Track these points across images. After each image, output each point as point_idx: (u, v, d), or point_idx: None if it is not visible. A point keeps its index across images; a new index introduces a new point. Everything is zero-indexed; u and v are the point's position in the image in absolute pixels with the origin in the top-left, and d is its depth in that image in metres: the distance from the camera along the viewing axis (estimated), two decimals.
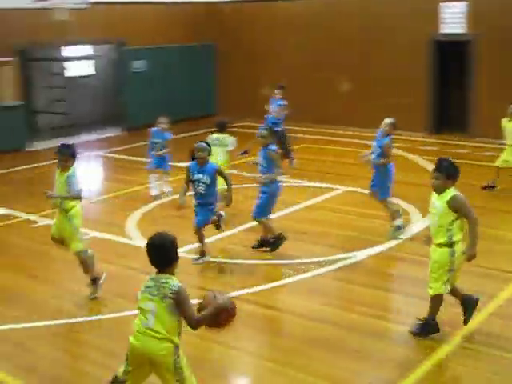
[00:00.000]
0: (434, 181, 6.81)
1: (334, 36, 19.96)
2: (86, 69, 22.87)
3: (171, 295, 5.05)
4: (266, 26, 21.42)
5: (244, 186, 12.95)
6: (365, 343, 7.08)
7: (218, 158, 11.06)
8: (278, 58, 21.30)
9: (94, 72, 23.04)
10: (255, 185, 10.66)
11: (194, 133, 17.64)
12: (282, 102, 15.18)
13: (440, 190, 6.77)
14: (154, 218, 11.67)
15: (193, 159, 9.43)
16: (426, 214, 8.80)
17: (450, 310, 7.35)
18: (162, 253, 5.23)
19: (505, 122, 12.55)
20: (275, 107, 15.07)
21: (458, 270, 6.88)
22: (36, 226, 11.40)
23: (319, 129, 19.84)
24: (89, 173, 14.73)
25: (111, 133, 20.12)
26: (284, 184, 13.36)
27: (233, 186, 9.53)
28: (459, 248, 6.75)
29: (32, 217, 11.81)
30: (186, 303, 5.07)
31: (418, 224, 10.78)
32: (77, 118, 21.02)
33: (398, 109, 17.65)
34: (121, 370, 5.20)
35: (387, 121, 10.35)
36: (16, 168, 15.77)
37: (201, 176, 9.25)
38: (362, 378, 6.56)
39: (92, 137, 19.81)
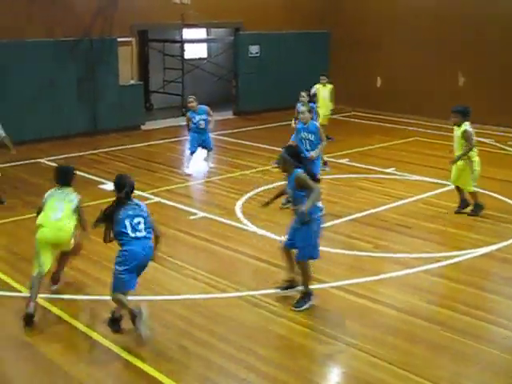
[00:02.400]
0: None
1: (458, 29, 19.38)
2: (202, 52, 23.31)
3: (75, 201, 7.64)
4: (384, 16, 21.11)
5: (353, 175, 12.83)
6: (468, 345, 6.91)
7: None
8: (393, 50, 20.96)
9: (210, 55, 23.45)
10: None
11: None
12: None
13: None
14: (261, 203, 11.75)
15: None
16: None
17: None
18: (67, 175, 7.85)
19: None
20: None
21: None
22: (147, 202, 11.74)
23: (432, 123, 19.43)
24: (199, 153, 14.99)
25: (223, 116, 20.38)
26: (391, 177, 13.31)
27: None
28: None
29: (145, 194, 12.17)
30: (82, 210, 7.78)
31: None
32: None
33: None
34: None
35: None
36: (133, 145, 16.29)
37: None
38: (463, 380, 6.41)
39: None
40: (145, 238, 6.98)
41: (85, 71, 17.36)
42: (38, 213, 7.65)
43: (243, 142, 16.35)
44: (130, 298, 7.03)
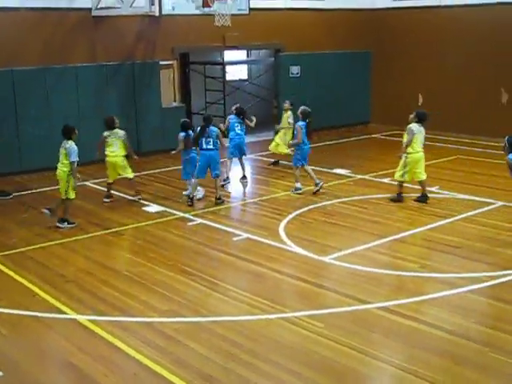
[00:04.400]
0: None
1: (500, 46, 19.20)
2: (243, 73, 23.46)
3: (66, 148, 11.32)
4: (424, 34, 21.00)
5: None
6: None
7: None
8: (434, 68, 20.83)
9: (251, 76, 23.58)
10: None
11: (345, 139, 17.58)
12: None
13: None
14: (304, 223, 11.74)
15: None
16: None
17: None
18: (66, 130, 11.52)
19: None
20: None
21: None
22: (190, 224, 11.83)
23: (474, 140, 19.22)
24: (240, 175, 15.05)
25: (265, 137, 20.39)
26: (435, 196, 13.18)
27: None
28: None
29: (188, 215, 12.25)
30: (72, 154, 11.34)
31: None
32: None
33: None
34: None
35: None
36: (176, 167, 16.42)
37: None
38: None
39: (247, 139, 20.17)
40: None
41: (127, 95, 17.62)
42: None
43: (285, 162, 16.35)
44: (171, 319, 7.01)
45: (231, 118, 15.26)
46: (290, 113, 16.18)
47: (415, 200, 12.87)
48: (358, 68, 22.43)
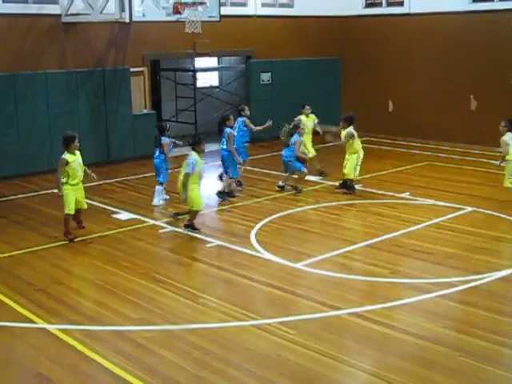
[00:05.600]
0: None
1: (468, 53, 19.47)
2: (214, 80, 23.46)
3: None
4: (394, 41, 21.20)
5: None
6: (486, 371, 6.81)
7: None
8: (404, 74, 21.04)
9: (222, 83, 23.59)
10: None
11: (316, 146, 17.59)
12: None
13: None
14: (276, 230, 11.76)
15: None
16: None
17: None
18: (64, 141, 11.06)
19: None
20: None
21: None
22: (162, 231, 11.78)
23: (444, 146, 19.44)
24: (213, 182, 15.03)
25: None
26: (406, 202, 13.29)
27: None
28: None
29: (160, 223, 12.20)
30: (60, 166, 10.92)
31: None
32: (203, 127, 21.40)
33: None
34: None
35: None
36: (146, 174, 16.35)
37: None
38: None
39: (217, 147, 20.14)
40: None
41: (97, 101, 17.53)
42: None
43: (256, 169, 16.37)
44: (143, 328, 6.97)
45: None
46: (314, 116, 16.12)
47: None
48: (328, 75, 22.57)
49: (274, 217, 12.45)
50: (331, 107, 22.39)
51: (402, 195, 13.82)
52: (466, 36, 19.42)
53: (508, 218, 12.01)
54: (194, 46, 19.05)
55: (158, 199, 13.54)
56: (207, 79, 23.31)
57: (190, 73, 21.46)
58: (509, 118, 13.26)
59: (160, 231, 11.79)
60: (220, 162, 14.29)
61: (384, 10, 21.63)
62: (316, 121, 16.00)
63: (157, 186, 13.63)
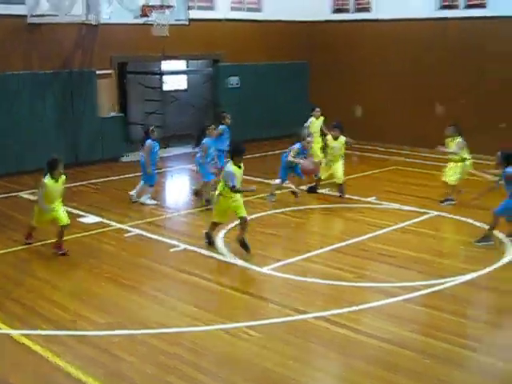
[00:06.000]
0: None
1: (432, 58, 19.69)
2: (181, 83, 23.39)
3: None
4: (362, 46, 21.35)
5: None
6: (450, 373, 6.90)
7: None
8: (372, 79, 21.19)
9: (190, 87, 23.52)
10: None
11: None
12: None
13: None
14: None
15: None
16: None
17: None
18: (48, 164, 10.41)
19: None
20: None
21: None
22: (127, 235, 11.70)
23: (411, 151, 19.61)
24: (180, 185, 14.98)
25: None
26: (372, 206, 13.39)
27: None
28: None
29: (125, 226, 12.12)
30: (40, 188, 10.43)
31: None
32: (171, 131, 21.33)
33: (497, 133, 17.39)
34: None
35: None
36: (113, 177, 16.24)
37: None
38: None
39: (185, 150, 20.09)
40: None
41: (64, 104, 17.36)
42: None
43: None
44: (109, 332, 6.92)
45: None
46: (322, 118, 16.62)
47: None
48: (296, 79, 22.61)
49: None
50: (299, 111, 22.37)
51: (369, 199, 13.91)
52: (432, 42, 19.63)
53: (472, 222, 12.15)
54: (162, 48, 18.96)
55: (146, 197, 13.68)
56: (175, 83, 23.21)
57: (158, 76, 21.37)
58: (455, 122, 13.76)
59: (125, 235, 11.71)
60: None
61: (351, 15, 21.77)
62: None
63: (142, 183, 13.88)
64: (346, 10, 22.04)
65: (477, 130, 17.17)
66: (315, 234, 11.74)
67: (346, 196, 14.03)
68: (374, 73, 21.11)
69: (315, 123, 16.62)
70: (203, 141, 13.28)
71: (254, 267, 9.97)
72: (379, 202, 13.78)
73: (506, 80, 18.17)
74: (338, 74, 21.91)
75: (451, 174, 13.40)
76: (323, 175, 14.36)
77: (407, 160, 18.61)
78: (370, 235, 11.53)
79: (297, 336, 7.74)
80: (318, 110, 16.84)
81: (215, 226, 10.97)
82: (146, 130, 13.95)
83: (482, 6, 18.81)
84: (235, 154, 10.48)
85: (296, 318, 8.15)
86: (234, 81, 21.13)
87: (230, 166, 10.39)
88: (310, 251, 10.65)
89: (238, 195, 10.52)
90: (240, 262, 10.19)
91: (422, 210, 13.01)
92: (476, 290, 9.33)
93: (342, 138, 14.21)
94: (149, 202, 13.65)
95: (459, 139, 13.34)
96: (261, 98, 21.40)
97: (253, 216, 12.62)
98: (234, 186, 10.23)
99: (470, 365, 7.20)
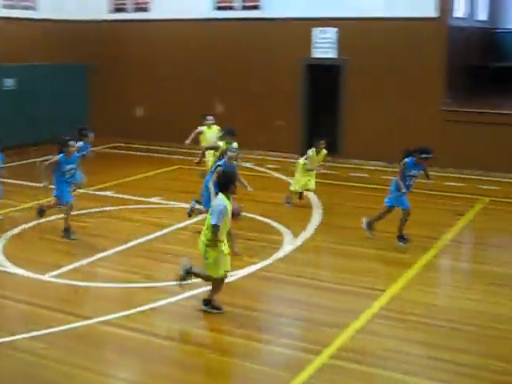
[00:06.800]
0: None
1: (208, 57, 20.16)
2: None
3: None
4: (140, 47, 21.32)
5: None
6: (237, 365, 7.14)
7: None
8: (152, 79, 21.26)
9: None
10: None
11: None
12: None
13: None
14: (20, 243, 11.25)
15: None
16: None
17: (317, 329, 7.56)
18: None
19: None
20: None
21: None
22: None
23: (194, 150, 19.87)
24: None
25: None
26: (157, 206, 13.44)
27: None
28: None
29: None
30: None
31: (289, 244, 11.03)
32: None
33: (273, 130, 18.22)
34: None
35: None
36: None
37: None
38: None
39: None
40: None
41: None
42: None
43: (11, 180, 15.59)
44: None
45: None
46: (217, 128, 14.48)
47: None
48: (75, 80, 21.98)
49: (17, 230, 11.85)
50: (78, 112, 21.84)
51: (153, 199, 13.92)
52: (208, 42, 20.09)
53: (253, 216, 12.54)
54: None
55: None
56: None
57: None
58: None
59: None
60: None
61: (129, 15, 21.63)
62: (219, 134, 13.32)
63: None
64: (124, 10, 21.86)
65: (251, 128, 17.96)
66: (99, 237, 11.49)
67: (129, 197, 13.93)
68: (154, 72, 21.12)
69: (207, 133, 14.89)
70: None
71: (34, 275, 9.58)
72: (164, 202, 13.83)
73: (270, 79, 19.21)
74: (118, 74, 21.66)
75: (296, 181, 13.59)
76: None
77: (188, 158, 18.79)
78: (155, 235, 11.55)
79: (84, 343, 7.57)
80: (209, 118, 15.01)
81: None
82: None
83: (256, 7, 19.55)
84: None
85: (81, 325, 7.96)
86: (9, 82, 20.17)
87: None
88: (94, 255, 10.45)
89: None
90: (20, 271, 9.75)
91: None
92: (257, 281, 9.64)
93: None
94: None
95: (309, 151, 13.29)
96: (37, 100, 20.58)
97: (33, 223, 12.14)
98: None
99: (256, 355, 7.45)
